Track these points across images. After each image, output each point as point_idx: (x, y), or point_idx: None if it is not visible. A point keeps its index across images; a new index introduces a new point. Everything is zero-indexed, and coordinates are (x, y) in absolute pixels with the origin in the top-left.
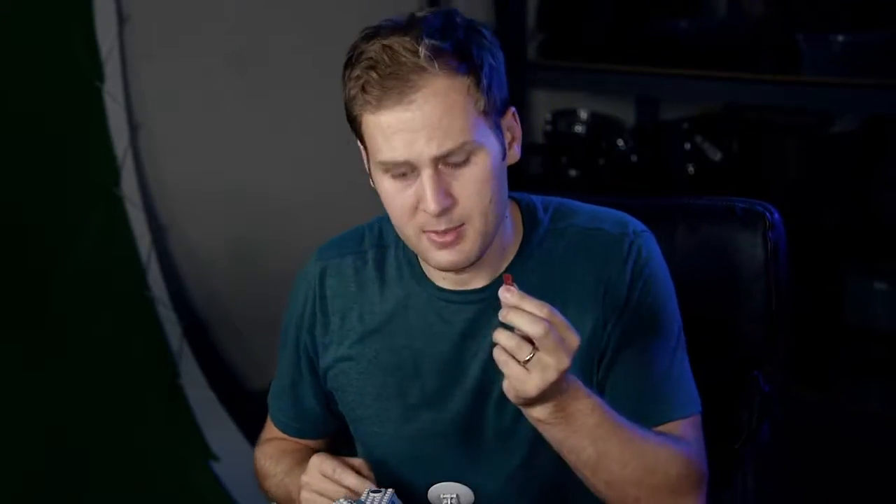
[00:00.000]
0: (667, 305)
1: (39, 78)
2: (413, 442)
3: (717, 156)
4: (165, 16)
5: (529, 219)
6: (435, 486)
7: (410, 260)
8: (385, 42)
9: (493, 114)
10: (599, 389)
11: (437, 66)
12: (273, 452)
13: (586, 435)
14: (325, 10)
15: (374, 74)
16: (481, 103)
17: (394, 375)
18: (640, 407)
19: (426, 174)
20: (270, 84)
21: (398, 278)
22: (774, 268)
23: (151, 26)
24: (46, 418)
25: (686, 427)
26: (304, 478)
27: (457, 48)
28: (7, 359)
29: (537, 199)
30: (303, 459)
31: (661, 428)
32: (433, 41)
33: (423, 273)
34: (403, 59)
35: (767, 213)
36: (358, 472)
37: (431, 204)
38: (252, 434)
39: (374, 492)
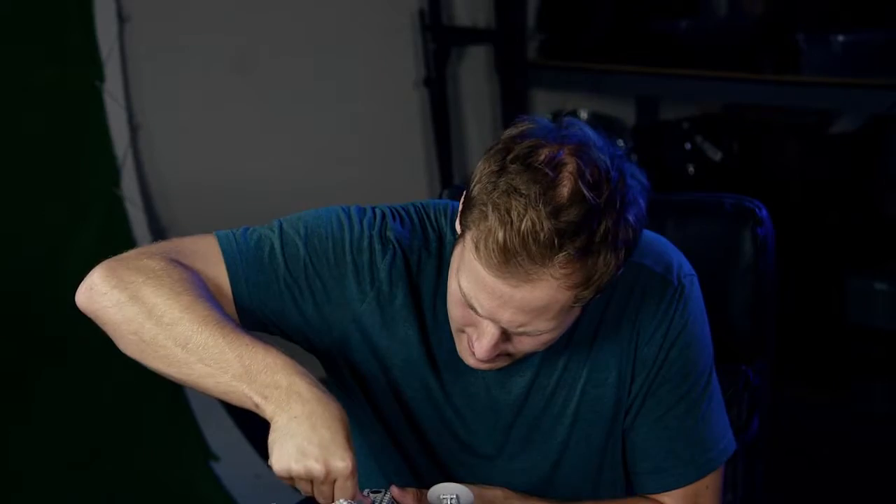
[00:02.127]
0: (699, 358)
1: (39, 78)
2: (433, 446)
3: (717, 156)
4: (165, 16)
5: None
6: (435, 486)
7: None
8: (531, 213)
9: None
10: (624, 436)
11: (560, 274)
12: (204, 285)
13: None
14: (325, 10)
15: (500, 236)
16: (582, 302)
17: (433, 383)
18: (657, 470)
19: (490, 332)
20: (270, 84)
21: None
22: (763, 263)
23: (151, 26)
24: (46, 419)
25: (696, 490)
26: (318, 466)
27: (590, 256)
28: (6, 360)
29: None
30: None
31: (675, 491)
32: (570, 252)
33: None
34: (535, 245)
35: (756, 210)
36: None
37: (479, 352)
38: (253, 434)
39: (373, 492)
